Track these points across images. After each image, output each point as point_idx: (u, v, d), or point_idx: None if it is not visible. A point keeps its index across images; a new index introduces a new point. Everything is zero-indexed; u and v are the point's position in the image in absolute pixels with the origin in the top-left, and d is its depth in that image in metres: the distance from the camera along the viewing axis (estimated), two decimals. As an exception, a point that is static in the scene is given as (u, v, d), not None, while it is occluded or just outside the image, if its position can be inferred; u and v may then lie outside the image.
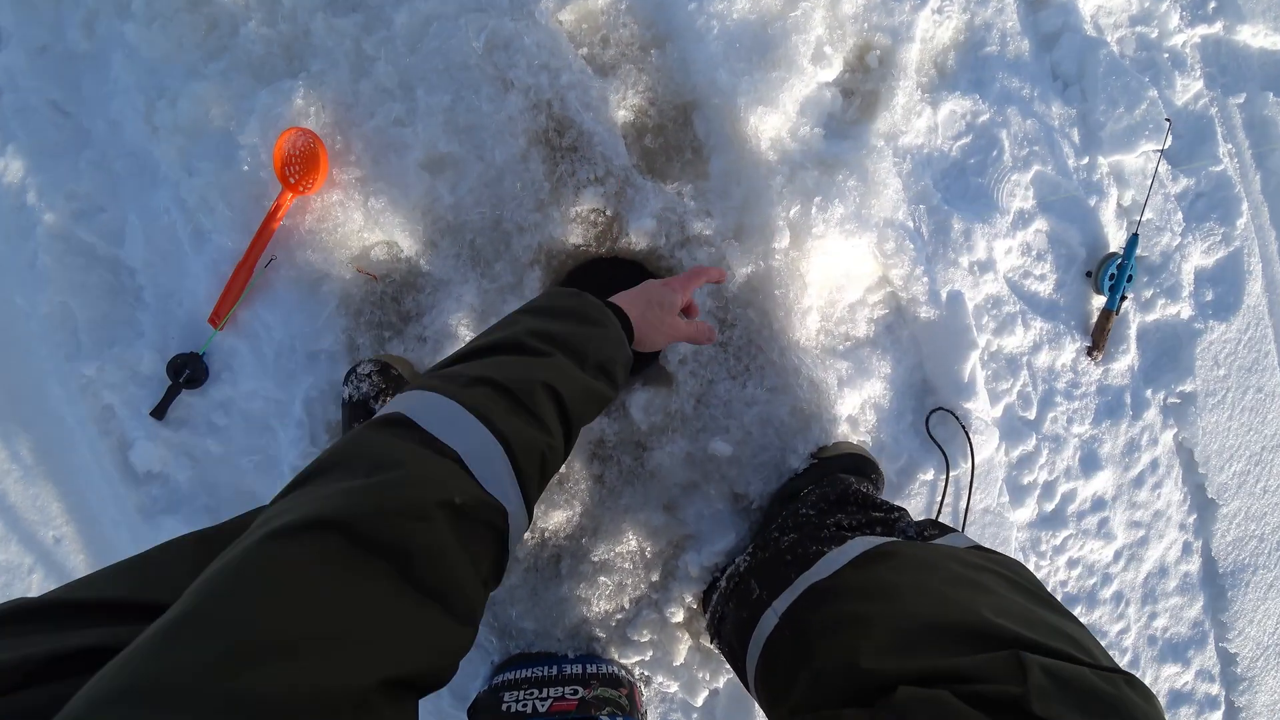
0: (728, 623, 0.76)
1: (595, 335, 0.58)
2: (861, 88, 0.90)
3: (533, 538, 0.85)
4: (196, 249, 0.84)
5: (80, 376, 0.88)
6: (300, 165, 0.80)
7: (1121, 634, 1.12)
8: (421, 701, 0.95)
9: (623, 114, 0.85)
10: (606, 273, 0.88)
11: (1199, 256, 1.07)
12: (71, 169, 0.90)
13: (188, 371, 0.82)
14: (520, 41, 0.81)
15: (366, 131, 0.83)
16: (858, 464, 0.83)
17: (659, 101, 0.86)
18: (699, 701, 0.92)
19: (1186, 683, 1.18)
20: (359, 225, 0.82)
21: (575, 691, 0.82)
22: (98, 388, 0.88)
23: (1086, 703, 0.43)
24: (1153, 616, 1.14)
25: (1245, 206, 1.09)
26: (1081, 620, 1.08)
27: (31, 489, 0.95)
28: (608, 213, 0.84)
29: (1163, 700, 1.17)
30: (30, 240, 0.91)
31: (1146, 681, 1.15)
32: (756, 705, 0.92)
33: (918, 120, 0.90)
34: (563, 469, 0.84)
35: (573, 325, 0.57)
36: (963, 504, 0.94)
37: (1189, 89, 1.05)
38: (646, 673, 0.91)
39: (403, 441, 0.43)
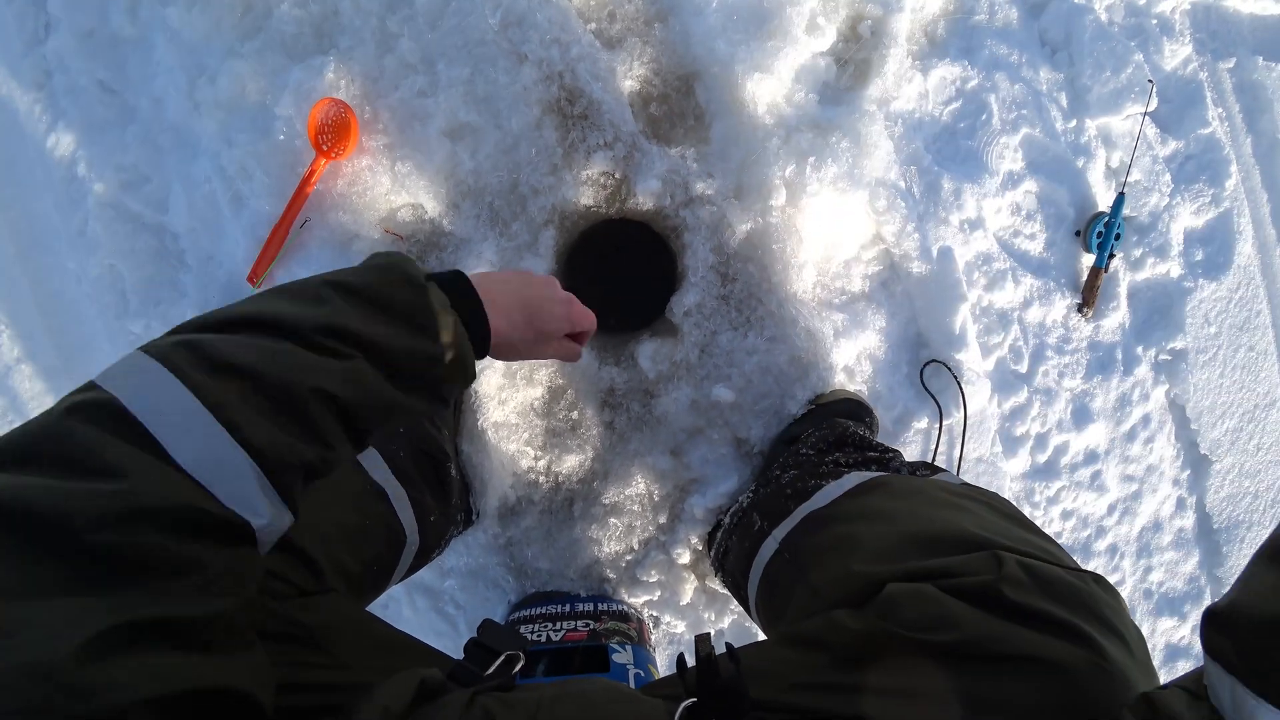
0: (731, 555, 0.82)
1: (420, 350, 0.46)
2: (854, 56, 0.95)
3: (547, 481, 0.91)
4: (236, 214, 0.90)
5: (128, 334, 0.96)
6: (332, 133, 0.87)
7: (1117, 585, 1.15)
8: (447, 634, 1.00)
9: (629, 84, 0.91)
10: (616, 232, 0.93)
11: (1188, 217, 1.10)
12: (119, 143, 0.97)
13: (228, 327, 0.89)
14: (533, 18, 0.87)
15: (392, 102, 0.89)
16: (854, 409, 0.88)
17: (663, 72, 0.91)
18: (705, 639, 0.97)
19: (1183, 637, 1.20)
20: (386, 189, 0.88)
21: (587, 625, 0.87)
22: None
23: (1056, 592, 0.48)
24: (1148, 570, 1.17)
25: (1235, 169, 1.12)
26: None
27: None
28: (616, 175, 0.89)
29: (1159, 653, 1.20)
30: (81, 209, 0.98)
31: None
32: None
33: (909, 86, 0.95)
34: (575, 415, 0.90)
35: (392, 328, 0.45)
36: (956, 452, 0.98)
37: (1178, 54, 1.08)
38: (654, 613, 0.96)
39: (122, 443, 0.35)
